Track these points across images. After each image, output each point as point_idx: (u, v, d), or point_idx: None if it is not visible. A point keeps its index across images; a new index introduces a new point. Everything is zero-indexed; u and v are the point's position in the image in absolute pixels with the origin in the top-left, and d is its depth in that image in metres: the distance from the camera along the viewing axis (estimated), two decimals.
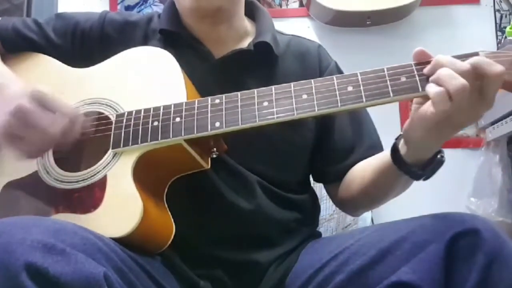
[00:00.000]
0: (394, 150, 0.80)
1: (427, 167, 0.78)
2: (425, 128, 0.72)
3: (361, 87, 0.72)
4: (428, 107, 0.69)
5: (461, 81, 0.66)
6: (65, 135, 0.75)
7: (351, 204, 0.99)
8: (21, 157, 0.76)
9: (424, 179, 0.80)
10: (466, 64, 0.67)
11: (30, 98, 0.73)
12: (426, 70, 0.70)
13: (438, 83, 0.68)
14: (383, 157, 0.84)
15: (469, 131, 1.98)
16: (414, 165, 0.78)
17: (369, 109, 0.88)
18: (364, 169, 0.93)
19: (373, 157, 0.93)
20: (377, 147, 0.98)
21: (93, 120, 0.83)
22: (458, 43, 1.97)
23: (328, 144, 0.97)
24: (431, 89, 0.68)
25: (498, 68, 0.67)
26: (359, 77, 0.73)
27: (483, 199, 1.79)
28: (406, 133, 0.76)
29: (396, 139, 0.81)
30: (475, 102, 0.68)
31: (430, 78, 0.69)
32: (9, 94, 0.76)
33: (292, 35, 1.05)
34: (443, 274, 0.67)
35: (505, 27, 2.01)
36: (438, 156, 0.78)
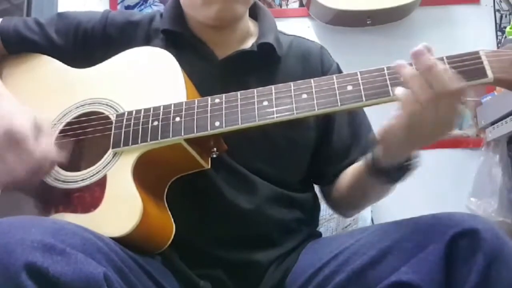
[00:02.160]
0: (372, 153, 0.83)
1: (399, 171, 0.81)
2: (397, 134, 0.73)
3: (361, 86, 0.72)
4: (398, 110, 0.71)
5: (431, 92, 0.67)
6: (32, 175, 0.74)
7: (342, 205, 1.01)
8: None
9: (396, 182, 0.83)
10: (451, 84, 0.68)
11: (3, 134, 0.73)
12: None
13: (407, 86, 0.69)
14: (363, 160, 0.86)
15: (469, 131, 1.98)
16: (389, 169, 0.81)
17: (368, 109, 0.88)
18: (350, 172, 0.94)
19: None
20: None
21: (93, 120, 0.83)
22: (458, 43, 1.97)
23: (326, 145, 0.98)
24: (399, 91, 0.69)
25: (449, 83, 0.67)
26: (359, 76, 0.73)
27: (483, 199, 1.79)
28: (381, 138, 0.77)
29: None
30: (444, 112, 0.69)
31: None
32: None
33: (294, 35, 1.05)
34: (443, 274, 0.67)
35: (505, 27, 2.01)
36: (413, 160, 0.80)
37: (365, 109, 1.00)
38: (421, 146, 0.76)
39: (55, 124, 0.84)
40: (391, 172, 0.81)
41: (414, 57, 0.69)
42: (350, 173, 0.94)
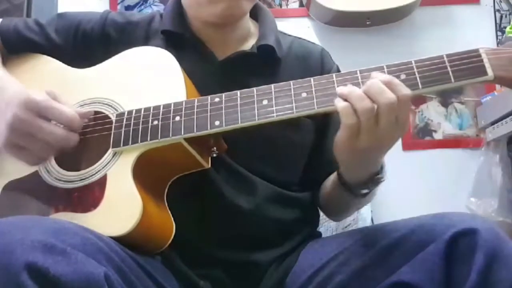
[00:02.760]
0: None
1: (363, 187, 0.83)
2: (341, 147, 0.76)
3: (361, 85, 0.72)
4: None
5: (368, 103, 0.69)
6: (64, 141, 0.76)
7: (325, 209, 1.02)
8: (24, 164, 0.78)
9: (361, 197, 0.85)
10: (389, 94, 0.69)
11: (24, 106, 0.74)
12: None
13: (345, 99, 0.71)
14: (335, 173, 0.89)
15: (469, 131, 1.98)
16: (353, 184, 0.84)
17: None
18: (327, 182, 0.96)
19: None
20: None
21: (93, 120, 0.83)
22: (458, 43, 1.97)
23: (319, 150, 0.98)
24: (339, 103, 0.71)
25: (390, 96, 0.69)
26: (359, 75, 0.73)
27: (483, 199, 1.79)
28: (335, 153, 0.80)
29: None
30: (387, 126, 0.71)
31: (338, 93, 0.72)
32: (3, 100, 0.76)
33: (294, 36, 1.05)
34: (443, 274, 0.67)
35: (505, 27, 2.01)
36: (376, 177, 0.82)
37: None
38: (366, 158, 0.78)
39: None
40: (353, 187, 0.84)
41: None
42: (327, 183, 0.96)
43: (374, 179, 0.82)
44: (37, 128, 0.74)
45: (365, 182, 0.82)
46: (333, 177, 0.91)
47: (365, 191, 0.84)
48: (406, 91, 0.70)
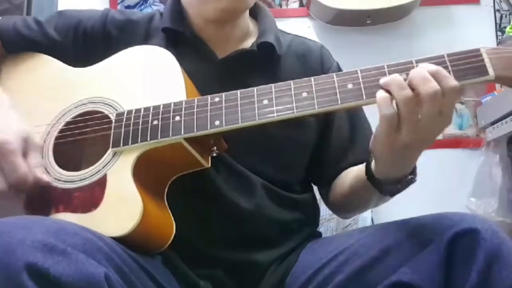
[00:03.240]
0: (367, 163, 0.82)
1: (395, 185, 0.79)
2: (380, 143, 0.73)
3: (362, 85, 0.72)
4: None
5: (408, 92, 0.67)
6: (12, 189, 0.74)
7: (337, 207, 1.01)
8: None
9: (390, 196, 0.82)
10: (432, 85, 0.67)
11: None
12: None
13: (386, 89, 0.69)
14: (362, 167, 0.86)
15: (469, 131, 1.98)
16: (385, 182, 0.79)
17: (369, 109, 0.88)
18: (347, 176, 0.94)
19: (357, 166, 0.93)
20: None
21: (93, 120, 0.83)
22: (458, 43, 1.97)
23: (324, 147, 0.98)
24: (378, 93, 0.69)
25: (434, 86, 0.66)
26: (359, 74, 0.73)
27: (483, 199, 1.79)
28: (371, 149, 0.77)
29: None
30: (431, 118, 0.68)
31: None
32: None
33: (294, 35, 1.05)
34: (443, 274, 0.67)
35: (505, 27, 2.01)
36: (409, 177, 0.78)
37: (366, 109, 1.01)
38: (404, 155, 0.74)
39: (54, 124, 0.84)
40: (384, 185, 0.80)
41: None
42: (347, 178, 0.94)
43: (407, 178, 0.78)
44: None
45: (398, 181, 0.79)
46: (357, 172, 0.88)
47: (394, 190, 0.80)
48: (453, 82, 0.67)
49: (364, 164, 0.83)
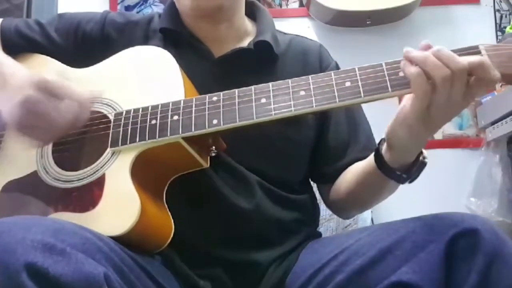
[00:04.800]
0: (377, 155, 0.81)
1: (411, 170, 0.79)
2: (407, 125, 0.72)
3: (359, 83, 0.72)
4: (407, 100, 0.71)
5: (446, 71, 0.66)
6: (75, 120, 0.75)
7: (340, 206, 1.00)
8: (35, 145, 0.79)
9: (410, 182, 0.81)
10: (463, 61, 0.67)
11: (37, 87, 0.73)
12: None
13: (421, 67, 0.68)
14: (369, 161, 0.85)
15: (469, 131, 1.98)
16: (399, 169, 0.79)
17: (367, 106, 0.88)
18: (353, 172, 0.93)
19: (362, 161, 0.92)
20: (371, 150, 0.98)
21: (92, 119, 0.83)
22: (458, 43, 1.93)
23: (323, 144, 0.97)
24: (411, 69, 0.68)
25: (496, 74, 0.67)
26: (357, 72, 0.73)
27: (483, 199, 1.79)
28: (390, 137, 0.76)
29: (378, 144, 0.81)
30: (457, 96, 0.68)
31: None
32: (15, 84, 0.76)
33: (294, 34, 1.05)
34: (443, 274, 0.67)
35: (505, 27, 2.01)
36: (420, 158, 0.78)
37: (364, 107, 1.01)
38: (430, 132, 0.74)
39: None
40: (398, 172, 0.79)
41: (424, 48, 0.69)
42: (353, 174, 0.93)
43: (419, 161, 0.78)
44: (48, 105, 0.73)
45: (411, 165, 0.78)
46: (365, 166, 0.88)
47: (410, 176, 0.79)
48: (473, 58, 0.67)
49: (373, 156, 0.83)
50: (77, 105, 0.74)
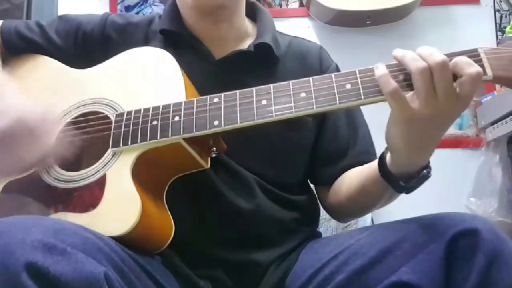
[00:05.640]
0: (381, 158, 0.81)
1: (410, 180, 0.78)
2: (395, 124, 0.72)
3: (360, 85, 0.72)
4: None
5: (422, 63, 0.67)
6: (40, 162, 0.76)
7: (338, 210, 0.99)
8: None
9: (406, 192, 0.81)
10: (442, 56, 0.67)
11: (16, 120, 0.73)
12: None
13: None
14: (371, 165, 0.85)
15: (469, 131, 1.98)
16: (399, 177, 0.79)
17: (367, 110, 0.88)
18: (352, 176, 0.93)
19: (363, 165, 0.92)
20: (370, 154, 0.98)
21: (93, 120, 0.83)
22: (458, 43, 1.97)
23: (323, 146, 0.97)
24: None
25: (475, 69, 0.66)
26: (358, 75, 0.73)
27: (483, 199, 1.79)
28: (386, 137, 0.76)
29: (386, 148, 0.81)
30: (450, 100, 0.68)
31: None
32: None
33: (293, 36, 1.05)
34: (443, 274, 0.67)
35: (505, 27, 2.01)
36: (424, 171, 0.78)
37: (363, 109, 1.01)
38: (424, 135, 0.74)
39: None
40: (399, 180, 0.79)
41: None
42: (354, 178, 0.92)
43: (421, 173, 0.77)
44: (16, 144, 0.74)
45: (412, 176, 0.78)
46: (367, 171, 0.87)
47: (409, 186, 0.79)
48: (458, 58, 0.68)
49: (376, 162, 0.82)
50: (49, 148, 0.75)
